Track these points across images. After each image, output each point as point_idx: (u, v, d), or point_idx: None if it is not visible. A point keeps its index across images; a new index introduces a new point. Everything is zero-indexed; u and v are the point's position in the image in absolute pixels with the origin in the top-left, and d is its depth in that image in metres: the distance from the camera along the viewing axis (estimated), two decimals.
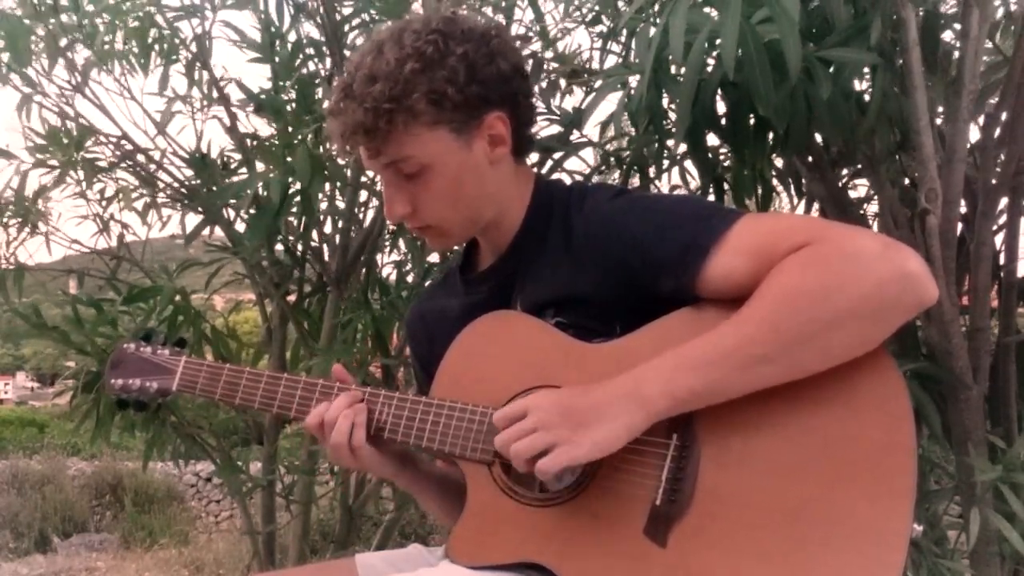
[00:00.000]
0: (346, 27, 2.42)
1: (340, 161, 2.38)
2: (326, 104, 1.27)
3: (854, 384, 1.05)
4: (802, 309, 1.02)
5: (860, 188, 1.92)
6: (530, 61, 2.22)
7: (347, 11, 2.42)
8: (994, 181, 1.60)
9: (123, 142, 2.63)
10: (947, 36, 1.60)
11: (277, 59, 2.39)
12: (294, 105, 2.32)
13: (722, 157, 1.94)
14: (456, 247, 1.40)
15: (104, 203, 2.74)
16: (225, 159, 2.61)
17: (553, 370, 1.18)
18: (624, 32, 1.95)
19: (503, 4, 2.16)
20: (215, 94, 2.57)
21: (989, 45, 1.63)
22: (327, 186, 2.52)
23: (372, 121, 1.16)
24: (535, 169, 2.23)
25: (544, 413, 1.08)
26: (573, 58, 2.22)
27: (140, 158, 2.65)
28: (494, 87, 1.21)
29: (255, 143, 2.51)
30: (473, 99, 1.19)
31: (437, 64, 1.17)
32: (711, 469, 1.08)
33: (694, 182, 2.02)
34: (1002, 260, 1.71)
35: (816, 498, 1.04)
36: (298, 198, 2.19)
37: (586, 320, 1.20)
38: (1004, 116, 1.59)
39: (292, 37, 2.48)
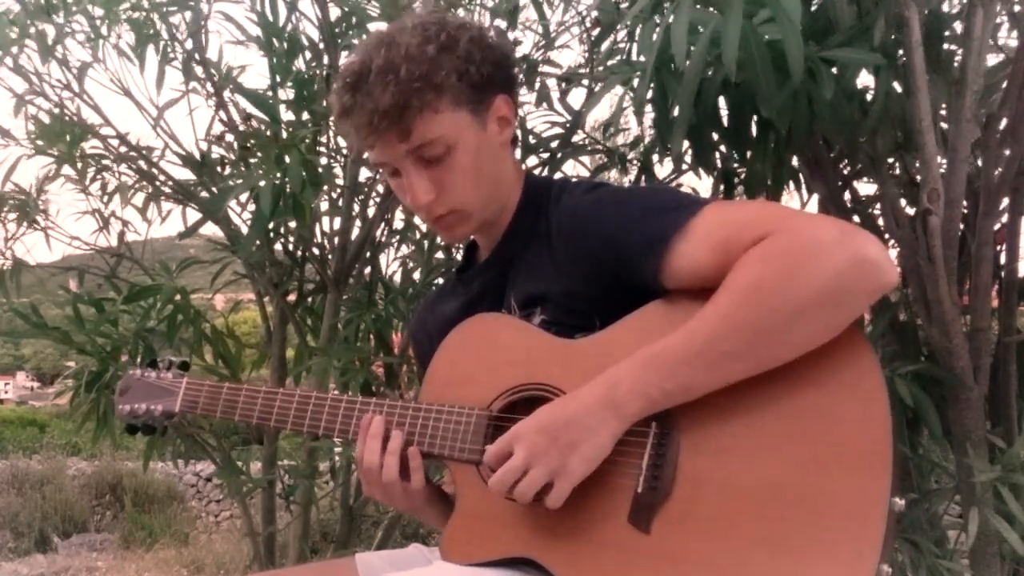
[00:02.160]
0: (340, 28, 2.42)
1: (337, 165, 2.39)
2: (328, 103, 1.29)
3: (828, 363, 1.06)
4: (764, 303, 1.04)
5: (861, 188, 1.92)
6: (524, 64, 2.23)
7: (340, 11, 2.42)
8: (996, 179, 1.60)
9: (120, 142, 2.62)
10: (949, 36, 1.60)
11: (275, 57, 2.39)
12: (292, 104, 2.33)
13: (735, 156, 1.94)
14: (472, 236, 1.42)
15: (105, 199, 2.73)
16: (223, 158, 2.60)
17: (537, 368, 1.20)
18: (626, 32, 1.95)
19: (504, 6, 2.16)
20: (211, 89, 2.56)
21: (990, 43, 1.63)
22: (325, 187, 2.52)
23: (404, 100, 1.19)
24: (535, 169, 2.25)
25: (531, 442, 1.10)
26: (578, 70, 2.21)
27: (138, 154, 2.64)
28: (500, 69, 1.27)
29: (250, 143, 2.50)
30: (487, 79, 1.25)
31: (453, 46, 1.22)
32: (691, 455, 1.09)
33: (705, 180, 2.02)
34: (1003, 260, 1.71)
35: (796, 478, 1.04)
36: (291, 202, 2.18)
37: (567, 316, 1.22)
38: (1006, 116, 1.60)
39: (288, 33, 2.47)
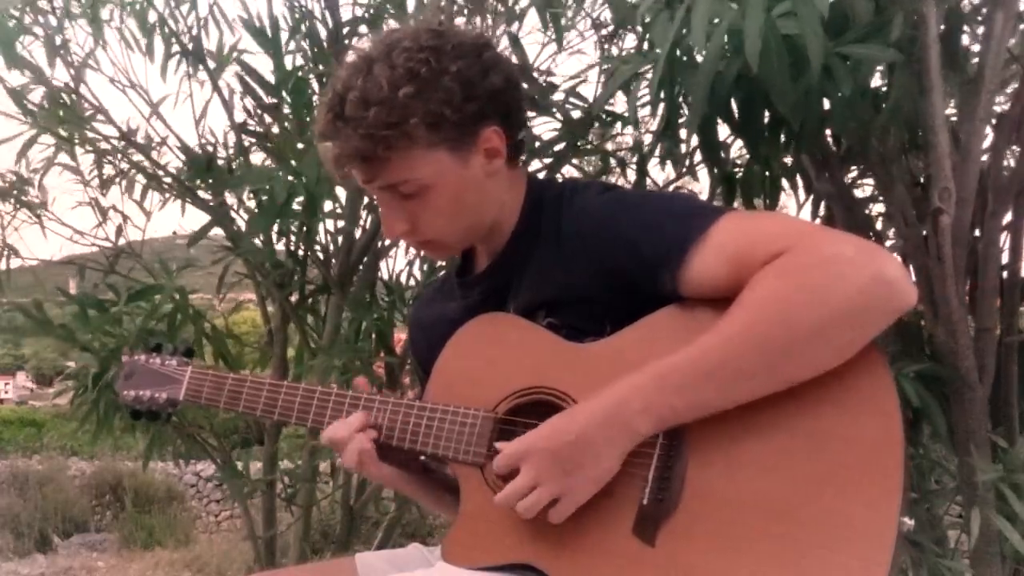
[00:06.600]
0: (347, 30, 2.41)
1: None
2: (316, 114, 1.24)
3: (844, 382, 1.05)
4: (781, 321, 1.02)
5: (867, 187, 1.91)
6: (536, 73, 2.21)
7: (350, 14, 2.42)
8: (1005, 178, 1.59)
9: (123, 136, 2.61)
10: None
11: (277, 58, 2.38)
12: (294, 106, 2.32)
13: (735, 156, 1.93)
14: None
15: (104, 191, 2.72)
16: (228, 154, 2.59)
17: (544, 371, 1.19)
18: (639, 30, 1.93)
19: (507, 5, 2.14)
20: (211, 79, 2.55)
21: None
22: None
23: (370, 148, 1.15)
24: (536, 169, 2.23)
25: (537, 461, 1.09)
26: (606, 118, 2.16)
27: (138, 149, 2.64)
28: (489, 102, 1.20)
29: (260, 138, 2.49)
30: (469, 117, 1.18)
31: (432, 85, 1.15)
32: (699, 468, 1.08)
33: (704, 182, 2.01)
34: (1005, 259, 1.70)
35: (807, 497, 1.03)
36: (302, 198, 2.17)
37: (576, 320, 1.20)
38: (1016, 116, 1.59)
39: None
